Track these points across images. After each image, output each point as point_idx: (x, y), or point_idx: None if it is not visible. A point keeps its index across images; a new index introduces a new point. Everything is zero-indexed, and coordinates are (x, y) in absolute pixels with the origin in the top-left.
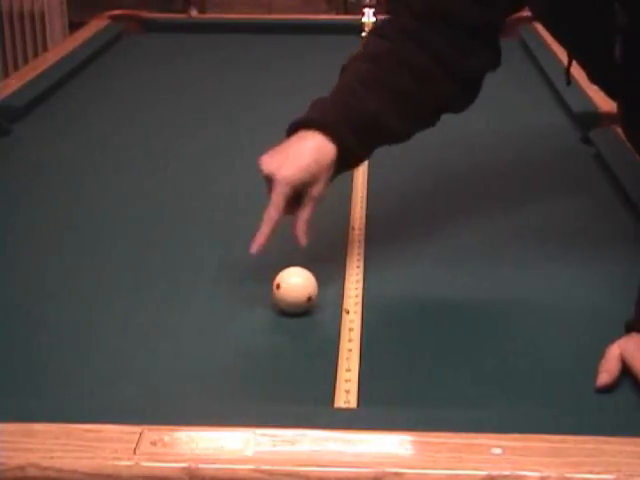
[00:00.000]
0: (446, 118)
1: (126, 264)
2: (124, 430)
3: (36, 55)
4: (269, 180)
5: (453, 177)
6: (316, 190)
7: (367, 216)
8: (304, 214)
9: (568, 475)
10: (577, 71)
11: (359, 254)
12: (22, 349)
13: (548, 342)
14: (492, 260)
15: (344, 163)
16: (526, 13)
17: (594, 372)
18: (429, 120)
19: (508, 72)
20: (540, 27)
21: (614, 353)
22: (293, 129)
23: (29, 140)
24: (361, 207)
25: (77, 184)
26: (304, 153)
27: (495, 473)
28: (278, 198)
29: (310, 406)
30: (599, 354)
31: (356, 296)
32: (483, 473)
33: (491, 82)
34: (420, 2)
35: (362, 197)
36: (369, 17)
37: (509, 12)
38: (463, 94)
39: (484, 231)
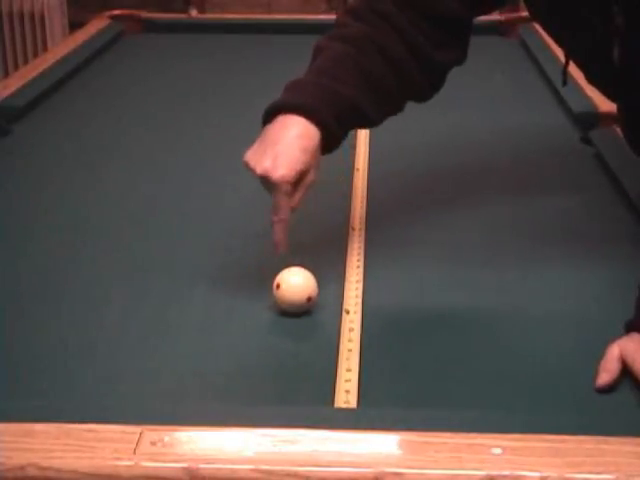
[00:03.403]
0: (447, 118)
1: (126, 264)
2: (124, 430)
3: (36, 55)
4: (264, 179)
5: (453, 177)
6: (310, 178)
7: (367, 216)
8: (293, 202)
9: (568, 475)
10: (576, 71)
11: (359, 254)
12: (22, 349)
13: (548, 342)
14: (492, 260)
15: (325, 146)
16: (525, 13)
17: (594, 372)
18: (398, 107)
19: (508, 72)
20: (540, 27)
21: (614, 353)
22: (272, 113)
23: (29, 140)
24: (361, 207)
25: (77, 184)
26: (292, 144)
27: (495, 473)
28: (282, 199)
29: (310, 406)
30: (599, 354)
31: (356, 296)
32: (483, 473)
33: (491, 82)
34: None
35: (362, 197)
36: None
37: (486, 10)
38: (430, 85)
39: (484, 231)
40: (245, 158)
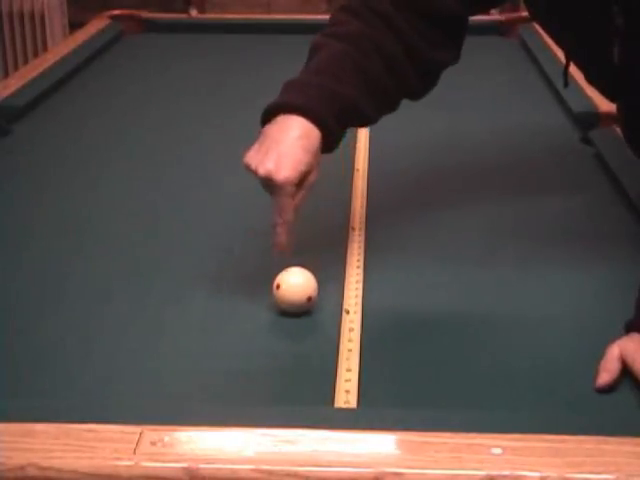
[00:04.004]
0: (447, 118)
1: (126, 264)
2: (124, 430)
3: (36, 55)
4: (267, 181)
5: (452, 178)
6: (312, 179)
7: (367, 216)
8: (297, 200)
9: (568, 475)
10: (577, 71)
11: (359, 254)
12: (22, 349)
13: (548, 342)
14: (492, 259)
15: (325, 146)
16: (525, 13)
17: (594, 372)
18: (394, 106)
19: (508, 72)
20: (540, 27)
21: (614, 353)
22: (270, 113)
23: (29, 140)
24: (361, 207)
25: (77, 184)
26: (294, 145)
27: (495, 473)
28: (285, 201)
29: (310, 406)
30: (599, 354)
31: (356, 296)
32: (483, 473)
33: (491, 82)
34: None
35: (362, 197)
36: None
37: (483, 9)
38: (423, 84)
39: (484, 231)
40: (246, 160)
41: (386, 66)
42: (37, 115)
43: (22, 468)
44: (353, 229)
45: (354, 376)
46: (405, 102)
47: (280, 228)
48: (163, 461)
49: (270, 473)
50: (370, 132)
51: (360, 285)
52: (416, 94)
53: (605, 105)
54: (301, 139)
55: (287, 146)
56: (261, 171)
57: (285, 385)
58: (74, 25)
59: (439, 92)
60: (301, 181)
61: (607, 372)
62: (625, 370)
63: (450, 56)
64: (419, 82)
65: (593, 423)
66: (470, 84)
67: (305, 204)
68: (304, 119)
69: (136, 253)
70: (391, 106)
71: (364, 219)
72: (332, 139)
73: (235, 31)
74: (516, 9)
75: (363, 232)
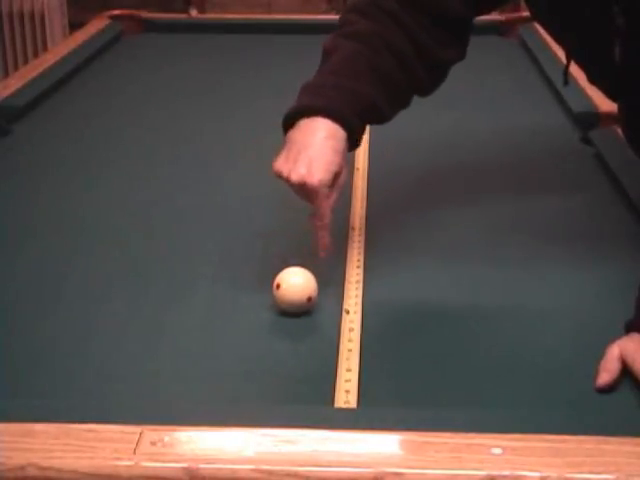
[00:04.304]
0: (447, 118)
1: (126, 264)
2: (124, 430)
3: (36, 55)
4: (301, 186)
5: (453, 177)
6: (342, 178)
7: (367, 216)
8: (331, 202)
9: (568, 475)
10: (577, 71)
11: (359, 254)
12: (22, 349)
13: (548, 342)
14: (492, 259)
15: (349, 145)
16: (526, 13)
17: (594, 372)
18: (407, 102)
19: (508, 72)
20: (540, 27)
21: (614, 353)
22: (292, 118)
23: (29, 140)
24: (361, 207)
25: (77, 184)
26: (323, 146)
27: (495, 473)
28: (324, 203)
29: (310, 406)
30: (599, 354)
31: (356, 296)
32: (483, 473)
33: (491, 82)
34: None
35: (362, 197)
36: None
37: (488, 9)
38: (432, 80)
39: (484, 231)
40: (276, 168)
41: (397, 62)
42: (37, 115)
43: (22, 468)
44: (353, 229)
45: (354, 376)
46: None
47: (322, 231)
48: (163, 461)
49: (270, 473)
50: (370, 131)
51: (360, 285)
52: (425, 90)
53: (605, 105)
54: (329, 140)
55: (316, 149)
56: (294, 177)
57: (285, 385)
58: (74, 25)
59: (439, 91)
60: (333, 182)
61: (607, 372)
62: (625, 370)
63: (456, 53)
64: (428, 77)
65: (593, 423)
66: (470, 84)
67: (305, 204)
68: (329, 120)
69: (135, 253)
70: (404, 102)
71: (364, 219)
72: (355, 138)
73: (235, 31)
74: (516, 9)
75: (363, 232)
